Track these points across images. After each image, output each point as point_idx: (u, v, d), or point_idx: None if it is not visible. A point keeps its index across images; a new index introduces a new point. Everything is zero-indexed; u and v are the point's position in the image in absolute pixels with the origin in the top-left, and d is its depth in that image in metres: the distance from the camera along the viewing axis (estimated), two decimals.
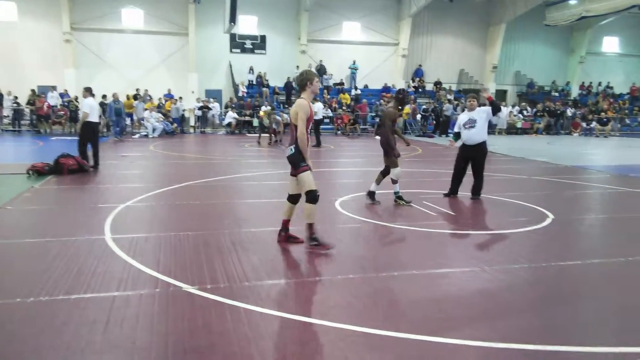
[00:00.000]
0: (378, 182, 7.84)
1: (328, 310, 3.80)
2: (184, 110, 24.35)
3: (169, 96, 24.49)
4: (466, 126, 8.16)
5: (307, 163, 5.20)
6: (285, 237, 5.54)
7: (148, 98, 24.13)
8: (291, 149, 5.22)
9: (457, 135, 8.46)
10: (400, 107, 8.07)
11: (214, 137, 22.29)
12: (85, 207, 7.40)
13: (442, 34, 29.75)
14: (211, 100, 24.72)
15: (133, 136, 20.82)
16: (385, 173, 7.84)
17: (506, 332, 3.48)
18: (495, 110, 8.05)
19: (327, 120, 24.13)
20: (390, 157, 7.68)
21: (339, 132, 24.41)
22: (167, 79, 25.42)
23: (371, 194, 7.84)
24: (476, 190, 8.27)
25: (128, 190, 8.57)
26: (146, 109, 22.22)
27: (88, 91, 11.29)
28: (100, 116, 12.73)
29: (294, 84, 25.97)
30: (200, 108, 24.14)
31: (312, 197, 5.17)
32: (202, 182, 9.61)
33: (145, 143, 18.16)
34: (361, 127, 24.76)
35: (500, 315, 3.80)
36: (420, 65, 29.43)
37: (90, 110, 10.91)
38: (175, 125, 23.02)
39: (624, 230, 6.73)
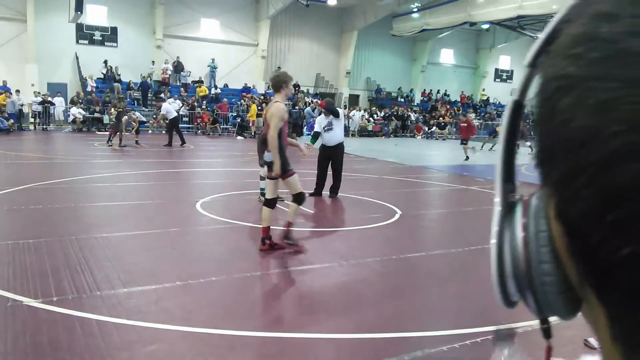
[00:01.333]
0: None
1: (187, 314, 3.72)
2: (22, 105, 21.81)
3: (4, 89, 21.73)
4: (325, 129, 8.58)
5: (290, 168, 5.16)
6: (269, 245, 5.27)
7: None
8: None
9: (316, 137, 8.81)
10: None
11: (59, 135, 20.34)
12: None
13: (300, 37, 30.56)
14: (40, 94, 22.22)
15: None
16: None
17: (360, 323, 3.72)
18: (334, 114, 8.54)
19: (186, 119, 23.39)
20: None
21: (199, 131, 23.81)
22: (1, 69, 22.56)
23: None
24: (334, 189, 8.71)
25: None
26: None
27: None
28: None
29: (149, 81, 24.95)
30: (40, 103, 21.82)
31: (301, 198, 5.27)
32: (44, 185, 8.74)
33: None
34: (222, 127, 24.41)
35: (354, 307, 4.05)
36: (279, 67, 29.90)
37: None
38: (12, 121, 20.52)
39: (461, 223, 7.57)
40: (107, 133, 16.47)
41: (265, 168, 7.90)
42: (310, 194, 8.71)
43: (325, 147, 8.73)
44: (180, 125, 18.56)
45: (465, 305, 4.28)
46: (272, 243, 5.32)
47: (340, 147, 8.71)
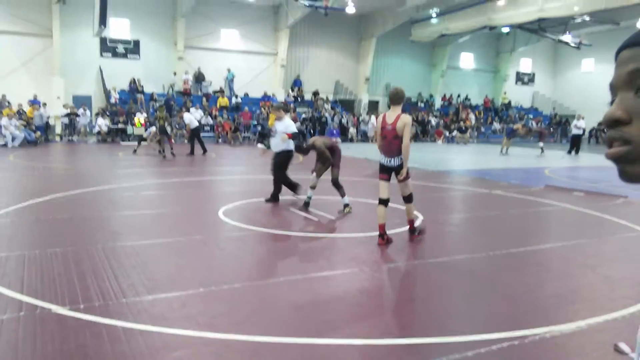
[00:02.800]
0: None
1: (211, 321, 3.76)
2: (48, 117, 22.36)
3: (35, 102, 22.28)
4: (271, 134, 8.71)
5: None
6: (386, 240, 6.04)
7: (6, 104, 21.78)
8: (401, 158, 5.91)
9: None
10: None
11: (84, 146, 20.78)
12: None
13: (319, 45, 30.70)
14: (68, 106, 22.71)
15: None
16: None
17: (382, 329, 3.71)
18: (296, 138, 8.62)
19: (207, 128, 23.76)
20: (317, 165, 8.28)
21: (220, 140, 24.05)
22: (29, 83, 23.16)
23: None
24: (273, 195, 8.59)
25: None
26: (4, 116, 20.00)
27: None
28: None
29: (171, 91, 25.29)
30: (67, 115, 22.34)
31: (411, 198, 6.13)
32: (71, 195, 8.93)
33: (4, 153, 16.40)
34: (243, 135, 24.63)
35: (376, 313, 4.04)
36: (298, 76, 30.07)
37: None
38: (39, 133, 21.05)
39: (484, 228, 7.48)
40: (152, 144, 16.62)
41: (314, 175, 8.06)
42: (266, 200, 8.58)
43: (274, 153, 8.66)
44: (201, 134, 18.78)
45: (491, 310, 4.22)
46: (388, 239, 6.04)
47: (280, 155, 8.50)
